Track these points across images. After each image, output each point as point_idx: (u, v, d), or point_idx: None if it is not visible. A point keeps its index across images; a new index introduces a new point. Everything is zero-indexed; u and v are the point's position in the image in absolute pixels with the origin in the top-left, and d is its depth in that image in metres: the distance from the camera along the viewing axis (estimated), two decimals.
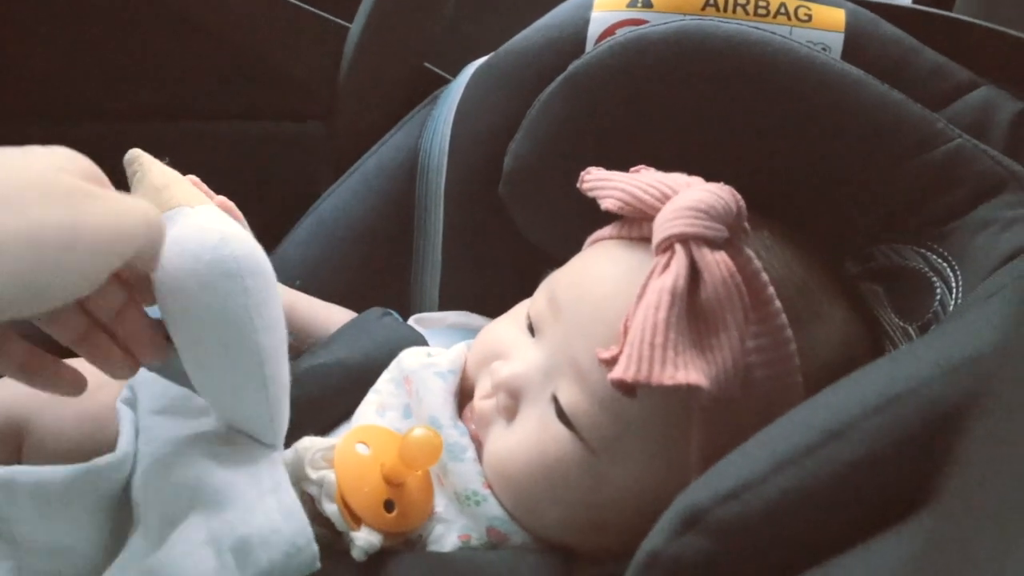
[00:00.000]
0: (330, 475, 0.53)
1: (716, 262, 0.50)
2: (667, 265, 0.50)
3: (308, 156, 0.96)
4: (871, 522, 0.38)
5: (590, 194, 0.58)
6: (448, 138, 0.75)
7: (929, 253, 0.60)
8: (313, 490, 0.53)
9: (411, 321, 0.72)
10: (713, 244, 0.50)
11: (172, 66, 0.93)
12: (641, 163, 0.59)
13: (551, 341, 0.56)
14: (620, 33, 0.67)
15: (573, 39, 0.70)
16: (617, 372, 0.48)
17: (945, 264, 0.58)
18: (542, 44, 0.71)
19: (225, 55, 0.93)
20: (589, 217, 0.64)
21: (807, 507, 0.40)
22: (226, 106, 0.96)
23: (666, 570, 0.42)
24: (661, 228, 0.51)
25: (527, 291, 0.68)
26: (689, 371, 0.47)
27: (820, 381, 0.52)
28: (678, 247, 0.50)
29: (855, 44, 0.66)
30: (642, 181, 0.55)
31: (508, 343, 0.59)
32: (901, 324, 0.59)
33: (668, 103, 0.64)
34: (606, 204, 0.56)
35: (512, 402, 0.56)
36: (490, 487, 0.55)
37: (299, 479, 0.54)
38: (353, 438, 0.55)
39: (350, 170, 0.83)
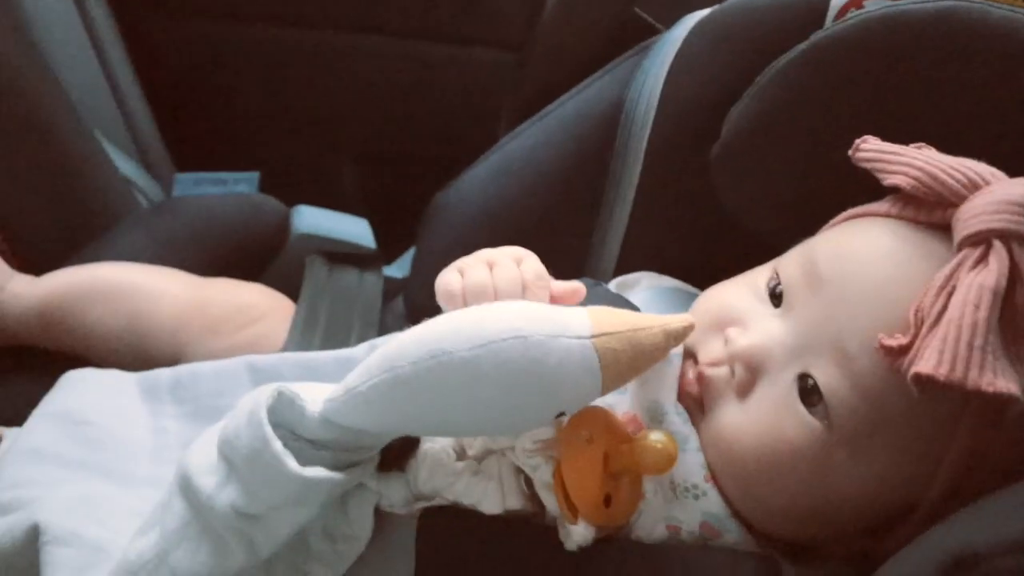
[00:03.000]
0: (543, 464, 0.51)
1: None
2: (983, 260, 0.46)
3: (493, 86, 0.94)
4: None
5: (868, 165, 0.53)
6: (659, 92, 0.72)
7: None
8: (529, 471, 0.52)
9: (611, 285, 0.70)
10: None
11: None
12: None
13: (805, 316, 0.52)
14: (870, 6, 0.62)
15: (812, 4, 0.65)
16: (927, 367, 0.44)
17: None
18: (776, 6, 0.67)
19: None
20: (804, 194, 0.61)
21: None
22: (417, 24, 0.94)
23: None
24: (977, 220, 0.47)
25: (712, 259, 0.66)
26: (1008, 380, 0.44)
27: None
28: (997, 244, 0.46)
29: None
30: (942, 162, 0.51)
31: (743, 310, 0.55)
32: None
33: (922, 87, 0.60)
34: (894, 180, 0.51)
35: (749, 376, 0.52)
36: (712, 479, 0.53)
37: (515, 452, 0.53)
38: (578, 425, 0.52)
39: (543, 112, 0.81)
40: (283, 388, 0.51)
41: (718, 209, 0.71)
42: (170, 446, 0.63)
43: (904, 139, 0.56)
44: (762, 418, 0.52)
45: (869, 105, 0.61)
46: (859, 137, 0.55)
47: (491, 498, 0.52)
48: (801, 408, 0.51)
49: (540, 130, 0.79)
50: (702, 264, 0.66)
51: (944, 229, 0.50)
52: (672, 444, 0.50)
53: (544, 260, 0.73)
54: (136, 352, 0.70)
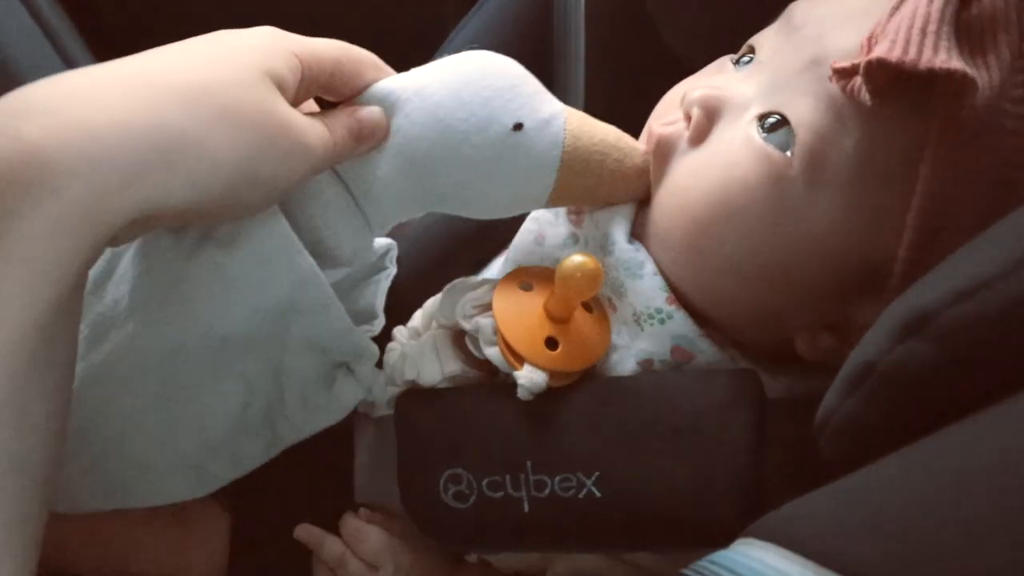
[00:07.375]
0: (483, 321, 0.52)
1: None
2: None
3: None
4: None
5: None
6: None
7: None
8: (473, 332, 0.52)
9: None
10: None
11: None
12: None
13: (777, 57, 0.51)
14: None
15: None
16: (880, 50, 0.42)
17: None
18: None
19: None
20: (745, 22, 0.60)
21: None
22: None
23: (885, 379, 0.39)
24: None
25: None
26: (964, 64, 0.42)
27: None
28: None
29: None
30: None
31: (703, 80, 0.55)
32: None
33: None
34: None
35: (706, 121, 0.51)
36: (675, 302, 0.52)
37: (456, 320, 0.53)
38: (515, 277, 0.53)
39: (480, 2, 0.79)
40: None
41: (672, 60, 0.70)
42: None
43: None
44: (716, 157, 0.50)
45: None
46: None
47: (428, 366, 0.53)
48: (759, 139, 0.49)
49: (480, 20, 0.79)
50: None
51: None
52: (590, 258, 0.49)
53: None
54: None
